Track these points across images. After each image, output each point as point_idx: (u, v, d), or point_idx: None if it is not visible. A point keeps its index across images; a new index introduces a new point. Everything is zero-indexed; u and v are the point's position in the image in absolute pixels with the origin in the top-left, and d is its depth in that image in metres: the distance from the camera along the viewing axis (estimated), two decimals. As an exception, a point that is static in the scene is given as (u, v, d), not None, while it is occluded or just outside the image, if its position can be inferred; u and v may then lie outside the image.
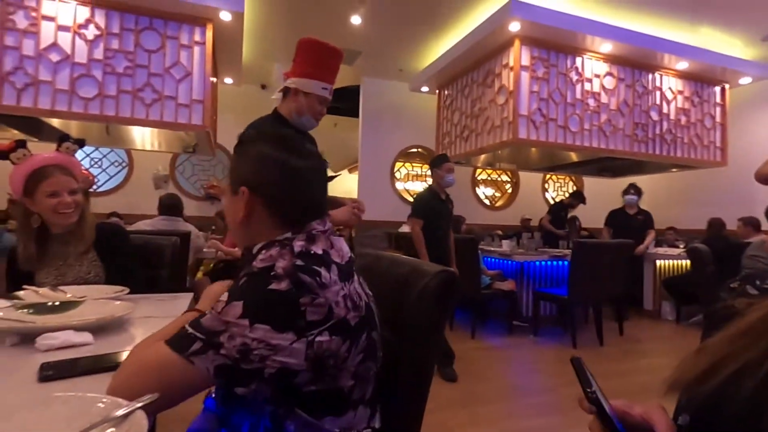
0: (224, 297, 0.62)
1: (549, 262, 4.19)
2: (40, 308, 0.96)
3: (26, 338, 0.81)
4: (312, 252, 0.66)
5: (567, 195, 7.12)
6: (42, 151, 1.42)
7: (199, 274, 3.65)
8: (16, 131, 4.10)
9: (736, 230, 4.24)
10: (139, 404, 0.46)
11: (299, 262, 0.63)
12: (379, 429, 0.76)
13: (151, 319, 1.06)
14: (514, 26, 3.78)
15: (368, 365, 0.70)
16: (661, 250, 4.97)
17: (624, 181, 6.79)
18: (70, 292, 1.18)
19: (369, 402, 0.73)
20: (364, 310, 0.68)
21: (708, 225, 4.43)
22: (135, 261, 1.51)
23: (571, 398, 2.44)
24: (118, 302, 1.05)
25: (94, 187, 5.42)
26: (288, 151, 0.73)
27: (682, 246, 5.10)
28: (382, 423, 0.78)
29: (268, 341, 0.58)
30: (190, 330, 0.60)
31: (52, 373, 0.64)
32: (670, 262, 4.86)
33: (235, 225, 0.75)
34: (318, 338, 0.60)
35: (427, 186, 3.23)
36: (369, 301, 0.73)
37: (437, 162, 3.08)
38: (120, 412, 0.45)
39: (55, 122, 3.93)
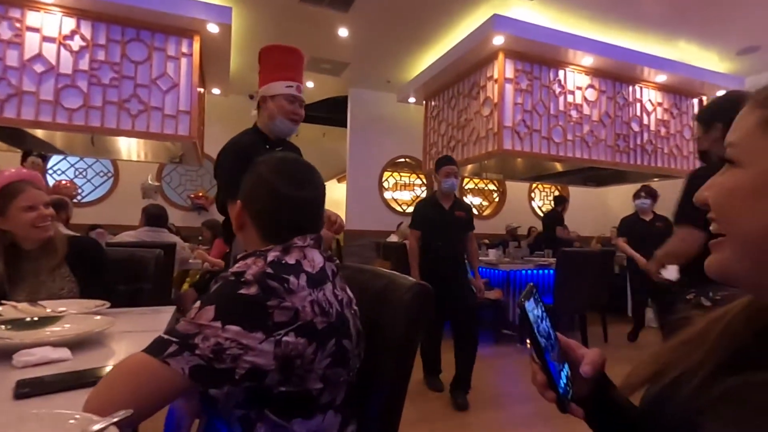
0: (197, 304, 0.65)
1: (535, 271, 4.23)
2: (17, 324, 0.96)
3: (3, 355, 0.80)
4: (284, 261, 0.71)
5: (551, 204, 7.22)
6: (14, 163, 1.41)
7: (185, 286, 3.62)
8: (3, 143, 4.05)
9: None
10: (114, 419, 0.47)
11: (269, 270, 0.68)
12: None
13: (132, 333, 1.06)
14: (498, 40, 3.87)
15: (337, 371, 0.73)
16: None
17: (608, 191, 6.93)
18: (49, 307, 1.17)
19: (340, 408, 0.76)
20: (334, 317, 0.72)
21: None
22: (114, 275, 1.49)
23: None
24: (98, 317, 1.04)
25: (78, 197, 5.35)
26: (282, 177, 0.80)
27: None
28: (359, 429, 0.80)
29: (239, 340, 0.62)
30: (166, 336, 0.63)
31: (28, 390, 0.65)
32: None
33: (235, 231, 0.87)
34: (285, 338, 0.65)
35: (432, 193, 2.95)
36: (344, 311, 0.76)
37: (437, 166, 2.79)
38: (94, 428, 0.45)
39: (39, 133, 3.89)
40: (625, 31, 4.20)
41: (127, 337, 1.03)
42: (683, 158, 4.96)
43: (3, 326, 0.94)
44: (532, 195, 7.28)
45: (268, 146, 1.64)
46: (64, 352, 0.82)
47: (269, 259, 0.70)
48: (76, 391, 0.67)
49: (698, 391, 0.38)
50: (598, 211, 7.17)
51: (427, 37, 4.47)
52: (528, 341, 0.51)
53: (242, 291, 0.65)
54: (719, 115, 1.57)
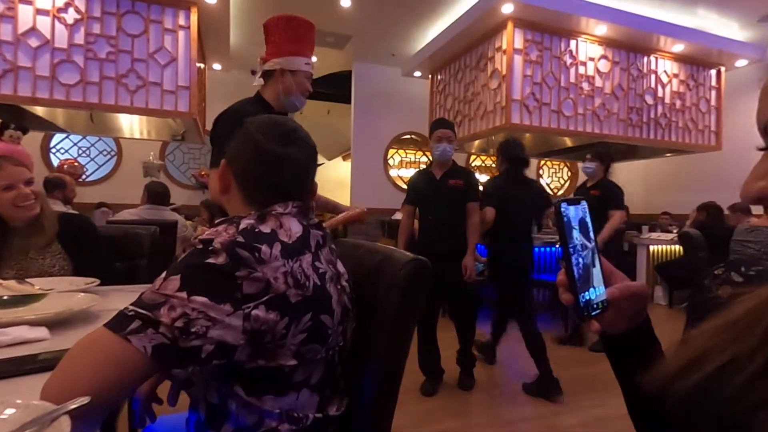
0: (162, 275, 0.61)
1: (542, 249, 4.17)
2: (-2, 302, 0.92)
3: (-24, 334, 0.76)
4: (257, 230, 0.66)
5: (560, 181, 7.09)
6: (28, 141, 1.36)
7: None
8: (-2, 120, 4.00)
9: (727, 217, 4.22)
10: (66, 409, 0.42)
11: (239, 239, 0.63)
12: (337, 418, 0.75)
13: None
14: (507, 8, 3.70)
15: (313, 347, 0.68)
16: (654, 236, 4.95)
17: (618, 167, 6.76)
18: (38, 285, 1.14)
19: (316, 387, 0.72)
20: (311, 291, 0.67)
21: (702, 209, 4.38)
22: (107, 252, 1.46)
23: (564, 384, 2.44)
24: (81, 295, 1.01)
25: (83, 176, 5.34)
26: (266, 134, 0.75)
27: (675, 231, 5.09)
28: (352, 413, 0.77)
29: (207, 312, 0.58)
30: (131, 308, 0.59)
31: (-9, 372, 0.61)
32: (664, 247, 4.85)
33: (215, 197, 0.86)
34: (254, 312, 0.61)
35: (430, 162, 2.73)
36: (326, 285, 0.71)
37: (430, 130, 2.59)
38: (42, 417, 0.41)
39: (39, 111, 3.84)
40: (641, -2, 4.00)
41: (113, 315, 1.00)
42: (698, 132, 4.79)
43: (-19, 304, 0.90)
44: (540, 172, 7.15)
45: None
46: (42, 332, 0.78)
47: (241, 226, 0.66)
48: (45, 374, 0.62)
49: (751, 383, 0.32)
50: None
51: (433, 7, 4.29)
52: (558, 242, 0.50)
53: (210, 260, 0.60)
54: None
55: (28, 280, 1.16)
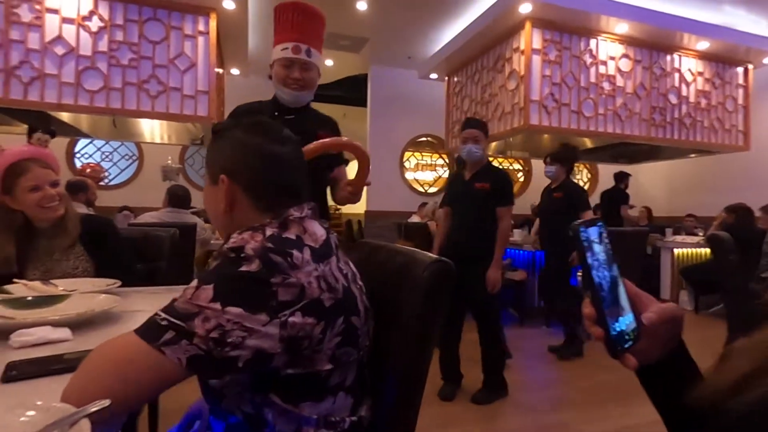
0: (193, 283, 0.59)
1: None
2: (23, 303, 0.93)
3: (2, 335, 0.77)
4: (284, 236, 0.65)
5: (584, 182, 6.99)
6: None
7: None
8: (25, 125, 4.13)
9: (758, 219, 4.07)
10: (87, 411, 0.41)
11: (269, 245, 0.62)
12: (367, 419, 0.73)
13: (140, 313, 1.02)
14: (525, 8, 3.65)
15: (347, 350, 0.68)
16: (678, 238, 4.81)
17: (641, 168, 6.62)
18: (62, 286, 1.15)
19: (351, 389, 0.71)
20: (341, 293, 0.66)
21: (730, 211, 4.23)
22: (129, 254, 1.47)
23: (587, 391, 2.37)
24: (103, 296, 1.01)
25: (105, 180, 5.46)
26: (263, 136, 0.74)
27: (701, 234, 4.93)
28: (374, 417, 0.75)
29: (242, 323, 0.56)
30: (163, 315, 0.57)
31: (15, 373, 0.61)
32: (689, 250, 4.70)
33: (217, 216, 0.75)
34: (291, 318, 0.59)
35: None
36: (350, 286, 0.70)
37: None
38: (54, 422, 0.40)
39: (64, 116, 3.95)
40: (664, -5, 3.90)
41: (135, 316, 1.00)
42: (725, 132, 4.64)
43: (7, 305, 0.91)
44: (560, 174, 7.02)
45: (277, 113, 1.56)
46: (64, 332, 0.78)
47: (268, 233, 0.64)
48: (67, 375, 0.62)
49: None
50: (630, 189, 6.89)
51: (450, 9, 4.27)
52: (579, 271, 0.45)
53: (243, 268, 0.58)
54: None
55: (52, 281, 1.17)
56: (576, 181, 7.14)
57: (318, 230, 0.70)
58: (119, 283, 1.20)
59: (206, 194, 0.77)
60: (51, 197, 1.29)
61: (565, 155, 3.28)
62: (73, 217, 1.36)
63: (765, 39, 4.43)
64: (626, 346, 0.43)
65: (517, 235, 4.21)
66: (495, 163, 6.56)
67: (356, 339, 0.69)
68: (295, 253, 0.62)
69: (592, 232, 0.45)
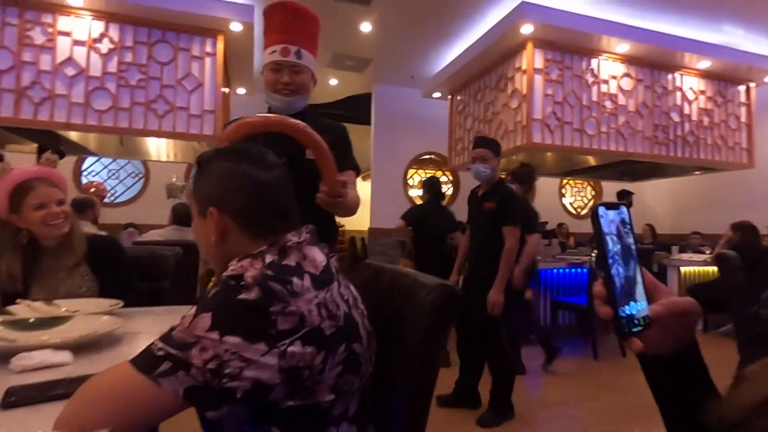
0: (192, 310, 0.58)
1: (567, 270, 4.05)
2: (24, 324, 0.93)
3: (3, 358, 0.77)
4: (284, 264, 0.64)
5: (584, 200, 6.98)
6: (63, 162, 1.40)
7: (211, 284, 3.64)
8: (35, 144, 4.19)
9: (765, 237, 4.03)
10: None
11: (269, 272, 0.61)
12: None
13: (142, 334, 1.02)
14: (527, 29, 3.71)
15: (349, 378, 0.66)
16: (685, 256, 4.76)
17: (645, 185, 6.61)
18: (65, 306, 1.15)
19: (354, 418, 0.69)
20: (342, 320, 0.64)
21: (736, 229, 4.20)
22: (133, 273, 1.48)
23: (594, 413, 2.32)
24: (105, 317, 1.01)
25: (111, 198, 5.51)
26: (248, 164, 0.72)
27: (708, 251, 4.89)
28: None
29: (240, 353, 0.55)
30: (160, 345, 0.56)
31: (14, 399, 0.60)
32: (696, 268, 4.65)
33: (209, 248, 0.73)
34: (290, 348, 0.58)
35: None
36: (351, 312, 0.68)
37: None
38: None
39: (72, 135, 4.01)
40: (663, 16, 3.95)
41: (137, 338, 1.00)
42: (729, 150, 4.64)
43: (10, 327, 0.91)
44: (563, 191, 7.02)
45: None
46: (65, 356, 0.78)
47: (267, 260, 0.63)
48: (66, 401, 0.61)
49: None
50: (635, 207, 6.87)
51: (452, 30, 4.34)
52: (593, 250, 0.44)
53: (242, 296, 0.58)
54: None
55: (55, 301, 1.17)
56: (580, 199, 7.13)
57: (318, 256, 0.69)
58: (122, 303, 1.20)
59: (195, 228, 0.75)
60: (56, 215, 1.30)
61: (524, 174, 3.22)
62: (79, 236, 1.37)
63: (766, 58, 4.47)
64: (634, 330, 0.43)
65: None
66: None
67: (358, 367, 0.67)
68: (295, 280, 0.61)
69: (613, 215, 0.45)
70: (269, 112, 1.43)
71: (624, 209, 0.46)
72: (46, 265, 1.33)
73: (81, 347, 0.86)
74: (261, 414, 0.62)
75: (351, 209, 1.30)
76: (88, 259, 1.37)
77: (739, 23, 4.07)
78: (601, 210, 0.44)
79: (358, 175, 1.50)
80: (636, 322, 0.43)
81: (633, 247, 0.45)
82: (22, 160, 3.53)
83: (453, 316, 0.74)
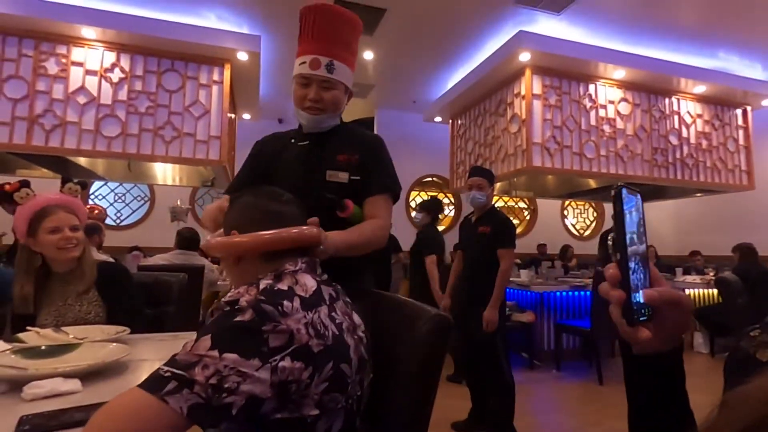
0: (192, 338, 0.65)
1: (570, 293, 4.04)
2: (35, 352, 0.96)
3: (15, 386, 0.80)
4: (276, 288, 0.71)
5: (585, 221, 6.98)
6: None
7: (213, 307, 3.65)
8: (45, 170, 4.29)
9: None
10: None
11: (262, 297, 0.68)
12: None
13: (148, 362, 1.04)
14: (524, 56, 3.81)
15: (334, 396, 0.70)
16: (689, 278, 4.74)
17: (648, 207, 6.51)
18: (72, 333, 1.18)
19: None
20: (330, 340, 0.70)
21: (738, 252, 4.20)
22: (140, 300, 1.51)
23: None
24: (113, 345, 1.04)
25: (117, 221, 5.58)
26: (267, 198, 0.86)
27: (711, 273, 4.86)
28: None
29: (237, 368, 0.61)
30: (166, 368, 0.62)
31: (28, 428, 0.63)
32: (701, 291, 4.62)
33: (228, 266, 0.85)
34: (281, 363, 0.64)
35: None
36: (343, 335, 0.74)
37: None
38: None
39: (81, 161, 4.11)
40: (658, 43, 4.06)
41: (143, 366, 1.02)
42: (728, 172, 4.68)
43: (20, 355, 0.94)
44: (565, 212, 7.05)
45: (293, 140, 1.29)
46: (75, 384, 0.80)
47: (261, 287, 0.71)
48: (77, 429, 0.64)
49: None
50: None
51: (452, 57, 4.46)
52: (611, 234, 0.46)
53: (237, 319, 0.65)
54: None
55: (63, 328, 1.20)
56: (582, 220, 7.14)
57: (309, 282, 0.76)
58: (128, 330, 1.23)
59: (217, 245, 0.87)
60: (68, 239, 1.35)
61: (431, 204, 3.71)
62: (90, 263, 1.41)
63: (761, 83, 4.55)
64: (641, 319, 0.43)
65: (524, 275, 4.19)
66: (501, 203, 6.67)
67: (345, 386, 0.72)
68: (285, 302, 0.68)
69: (633, 201, 0.45)
70: (299, 128, 1.31)
71: (640, 197, 0.46)
72: (56, 291, 1.37)
73: (89, 375, 0.88)
74: (252, 427, 0.67)
75: (355, 249, 1.08)
76: (98, 286, 1.40)
77: (733, 49, 4.17)
78: (624, 191, 0.44)
79: (392, 196, 1.26)
80: (643, 311, 0.43)
81: (645, 236, 0.45)
82: (46, 185, 3.62)
83: (446, 346, 0.76)
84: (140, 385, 0.60)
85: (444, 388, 3.23)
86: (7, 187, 1.41)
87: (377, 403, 0.81)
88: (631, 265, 0.43)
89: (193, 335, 1.31)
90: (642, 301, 0.43)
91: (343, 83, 1.25)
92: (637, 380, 0.50)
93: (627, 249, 0.43)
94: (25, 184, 1.41)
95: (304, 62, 1.21)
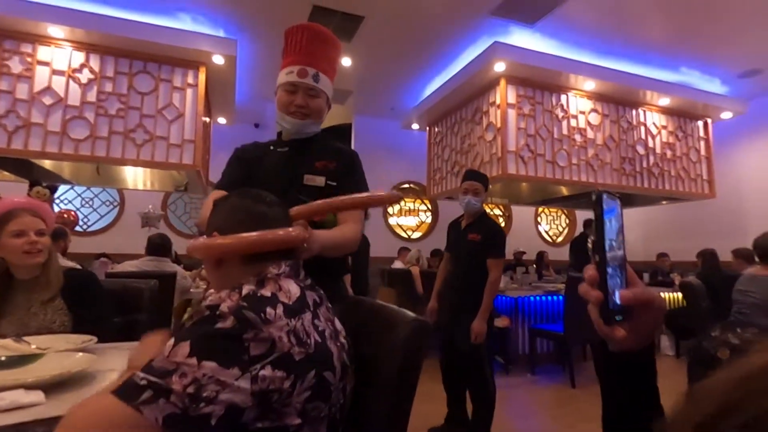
0: (171, 341, 0.62)
1: (544, 298, 4.13)
2: (-5, 364, 0.91)
3: (-28, 399, 0.75)
4: (259, 294, 0.69)
5: (558, 228, 7.17)
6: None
7: (186, 315, 3.55)
8: (6, 173, 4.10)
9: (731, 262, 4.21)
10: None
11: (244, 303, 0.66)
12: None
13: (115, 372, 1.00)
14: (499, 66, 3.90)
15: (317, 405, 0.69)
16: (659, 283, 4.92)
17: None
18: (35, 343, 1.12)
19: None
20: (313, 348, 0.69)
21: (701, 257, 4.38)
22: (109, 308, 1.45)
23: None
24: (79, 354, 1.00)
25: (84, 226, 5.37)
26: (252, 200, 0.84)
27: (678, 275, 5.06)
28: None
29: (216, 377, 0.59)
30: (142, 375, 0.59)
31: (-14, 443, 0.60)
32: (668, 294, 4.80)
33: (210, 269, 0.82)
34: (261, 372, 0.62)
35: None
36: (326, 342, 0.72)
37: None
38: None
39: (46, 164, 3.94)
40: (625, 56, 4.23)
41: (111, 376, 0.98)
42: (691, 181, 4.90)
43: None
44: (539, 219, 7.21)
45: (272, 147, 1.37)
46: (37, 396, 0.77)
47: (244, 292, 0.69)
48: (40, 443, 0.61)
49: None
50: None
51: (429, 66, 4.53)
52: (591, 236, 0.46)
53: (218, 325, 0.62)
54: None
55: (25, 338, 1.14)
56: (555, 227, 7.32)
57: (293, 288, 0.74)
58: (95, 339, 1.18)
59: (205, 264, 0.85)
60: (33, 243, 1.30)
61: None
62: (56, 269, 1.35)
63: (719, 96, 4.80)
64: (617, 318, 0.45)
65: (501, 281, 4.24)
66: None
67: (328, 394, 0.70)
68: (268, 309, 0.66)
69: (612, 204, 0.46)
70: (279, 135, 1.40)
71: (619, 203, 0.48)
72: (19, 299, 1.30)
73: (53, 386, 0.84)
74: None
75: (338, 248, 1.16)
76: (63, 293, 1.34)
77: (694, 65, 4.39)
78: (605, 197, 0.46)
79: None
80: (619, 311, 0.45)
81: (623, 239, 0.47)
82: (8, 189, 3.45)
83: (424, 351, 0.76)
84: (114, 392, 0.58)
85: (419, 393, 3.24)
86: (-31, 188, 1.34)
87: (355, 408, 0.80)
88: (609, 269, 0.45)
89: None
90: (618, 302, 0.45)
91: (326, 93, 1.37)
92: (612, 377, 0.52)
93: (606, 251, 0.44)
94: (-15, 186, 1.36)
95: (291, 71, 1.31)
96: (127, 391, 0.58)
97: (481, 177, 2.48)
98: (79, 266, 1.85)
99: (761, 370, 0.35)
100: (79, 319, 1.32)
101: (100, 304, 1.40)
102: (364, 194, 1.10)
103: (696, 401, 0.38)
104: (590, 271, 0.46)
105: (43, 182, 3.32)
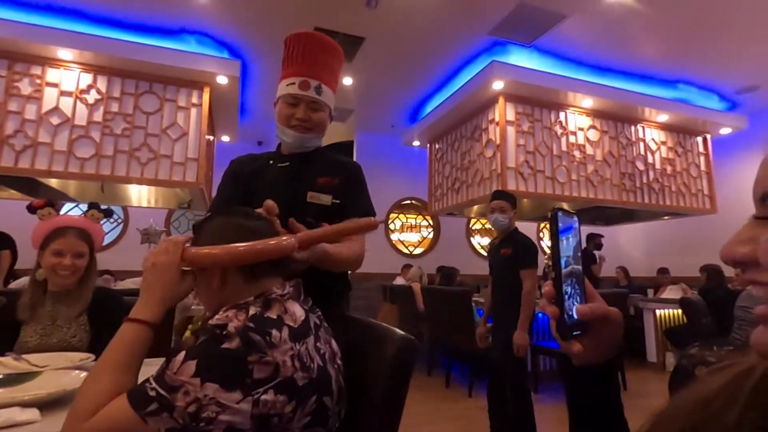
0: (181, 355, 0.64)
1: (540, 315, 4.09)
2: (-6, 381, 0.93)
3: (-31, 417, 0.77)
4: (266, 316, 0.70)
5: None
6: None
7: (187, 333, 3.56)
8: (13, 191, 4.16)
9: (733, 277, 4.18)
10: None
11: (251, 324, 0.67)
12: None
13: (112, 389, 1.02)
14: (498, 85, 3.96)
15: (316, 430, 0.70)
16: (662, 296, 4.87)
17: (619, 229, 6.83)
18: (33, 361, 1.14)
19: None
20: (315, 373, 0.69)
21: (705, 272, 4.35)
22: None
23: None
24: (75, 372, 1.01)
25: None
26: (241, 216, 0.85)
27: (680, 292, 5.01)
28: None
29: (217, 399, 0.61)
30: (153, 385, 0.63)
31: (-20, 460, 0.61)
32: (671, 311, 4.75)
33: (211, 297, 0.79)
34: (263, 396, 0.63)
35: None
36: (326, 366, 0.73)
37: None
38: None
39: (53, 182, 4.01)
40: (622, 74, 4.29)
41: (107, 393, 0.99)
42: (692, 196, 4.89)
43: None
44: (541, 234, 7.20)
45: (271, 161, 1.30)
46: (33, 414, 0.78)
47: (251, 313, 0.69)
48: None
49: None
50: (609, 249, 7.06)
51: (429, 85, 4.60)
52: (547, 252, 0.47)
53: (224, 345, 0.64)
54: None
55: (24, 356, 1.16)
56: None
57: (297, 311, 0.75)
58: (93, 357, 1.20)
59: (198, 284, 0.81)
60: (64, 266, 1.36)
61: None
62: (89, 288, 1.42)
63: (717, 113, 4.83)
64: (575, 333, 0.46)
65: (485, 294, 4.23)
66: (478, 225, 6.77)
67: (326, 419, 0.71)
68: (274, 332, 0.67)
69: (569, 222, 0.47)
70: (279, 148, 1.33)
71: (577, 220, 0.49)
72: (48, 308, 1.37)
73: (49, 404, 0.86)
74: None
75: (343, 265, 1.16)
76: (90, 311, 1.40)
77: (692, 82, 4.44)
78: (560, 214, 0.47)
79: None
80: (576, 326, 0.46)
81: (580, 255, 0.48)
82: (14, 207, 3.47)
83: (412, 369, 0.77)
84: (128, 395, 0.63)
85: (425, 411, 3.19)
86: (34, 203, 1.45)
87: (345, 426, 0.81)
88: (566, 285, 0.46)
89: (161, 361, 1.29)
90: (576, 317, 0.46)
91: (329, 106, 1.29)
92: (576, 391, 0.53)
93: (562, 268, 0.46)
94: (49, 203, 1.46)
95: (292, 83, 1.23)
96: (138, 398, 0.62)
97: (506, 196, 2.56)
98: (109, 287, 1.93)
99: (714, 395, 0.36)
100: (98, 338, 1.35)
101: (120, 325, 1.43)
102: (350, 223, 1.11)
103: (659, 425, 0.39)
104: (547, 287, 0.47)
105: (54, 203, 3.36)
